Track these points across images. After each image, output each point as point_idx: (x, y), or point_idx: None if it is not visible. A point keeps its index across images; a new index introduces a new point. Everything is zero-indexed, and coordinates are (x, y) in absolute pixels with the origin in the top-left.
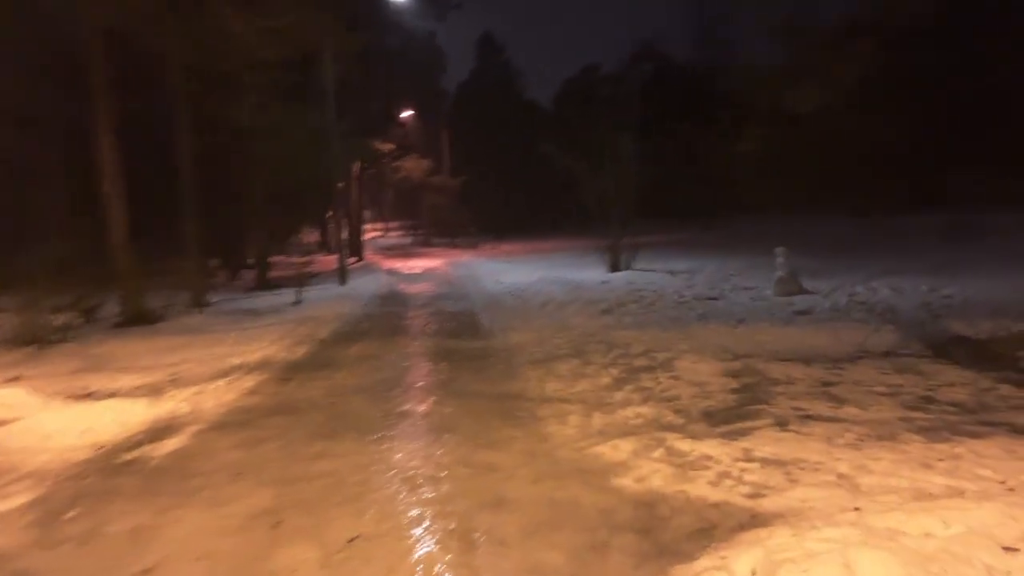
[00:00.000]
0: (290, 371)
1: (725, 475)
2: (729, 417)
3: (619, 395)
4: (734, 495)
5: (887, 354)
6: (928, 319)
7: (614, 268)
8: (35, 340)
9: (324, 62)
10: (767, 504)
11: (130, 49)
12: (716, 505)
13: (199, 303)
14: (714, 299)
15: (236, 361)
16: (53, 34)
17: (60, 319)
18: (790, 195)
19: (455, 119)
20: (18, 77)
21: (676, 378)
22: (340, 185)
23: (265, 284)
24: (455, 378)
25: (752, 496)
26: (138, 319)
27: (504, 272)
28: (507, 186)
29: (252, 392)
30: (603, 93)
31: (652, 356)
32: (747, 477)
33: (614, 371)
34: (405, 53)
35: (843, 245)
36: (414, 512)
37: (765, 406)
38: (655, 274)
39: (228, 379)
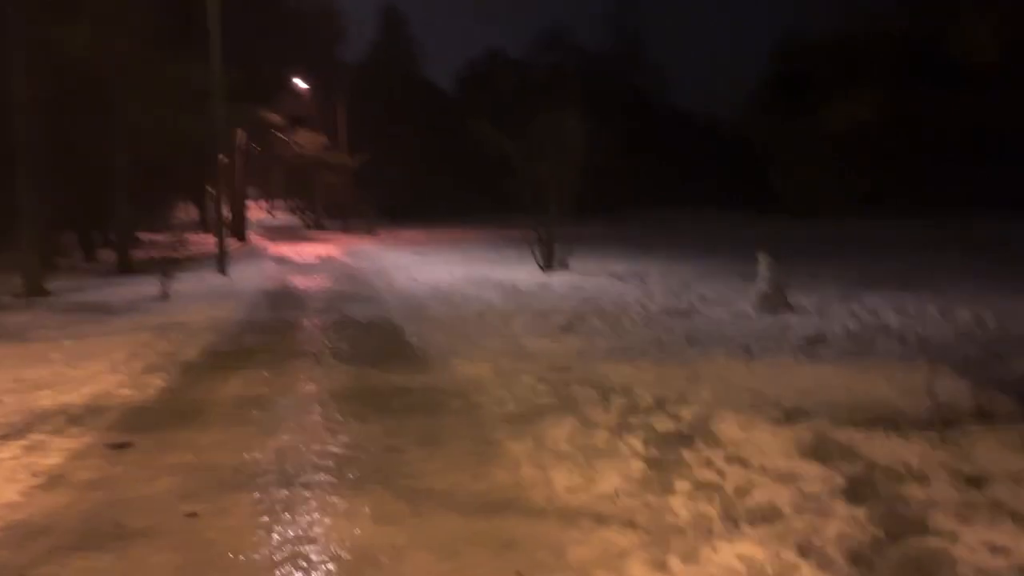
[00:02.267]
0: (131, 428)
1: None
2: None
3: (678, 504)
4: None
5: (984, 415)
6: (987, 357)
7: (548, 266)
8: None
9: None
10: None
11: None
12: None
13: (32, 291)
14: (686, 314)
15: (49, 402)
16: None
17: None
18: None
19: (354, 94)
20: None
21: (738, 462)
22: (223, 158)
23: (127, 267)
24: (397, 457)
25: None
26: None
27: (416, 266)
28: (408, 168)
29: (56, 482)
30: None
31: (673, 412)
32: None
33: (635, 443)
34: (300, 15)
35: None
36: None
37: (935, 540)
38: (599, 277)
39: (24, 443)
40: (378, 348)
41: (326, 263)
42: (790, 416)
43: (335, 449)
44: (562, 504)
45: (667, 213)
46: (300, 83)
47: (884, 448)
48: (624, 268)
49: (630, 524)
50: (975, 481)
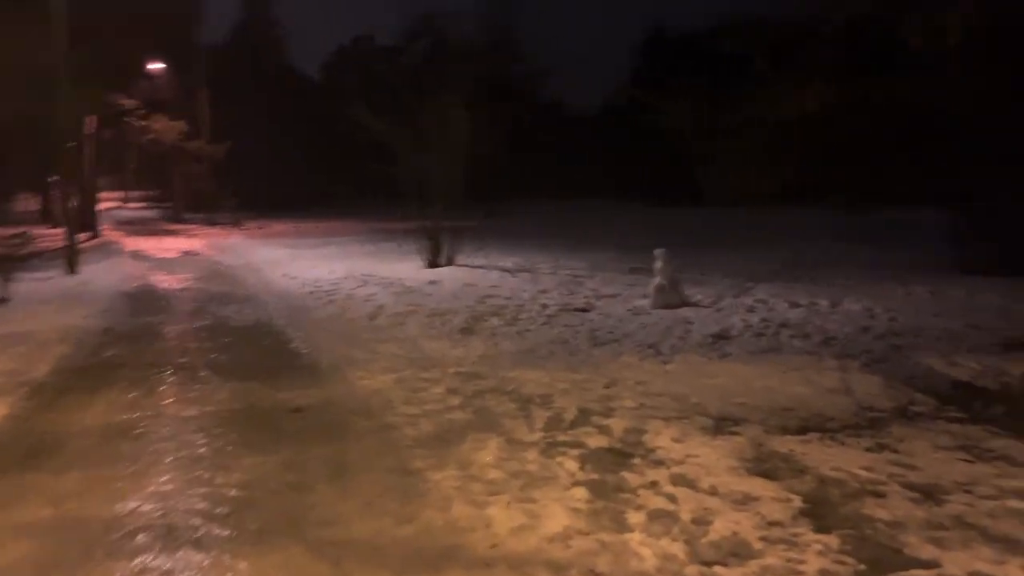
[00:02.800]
0: None
1: None
2: None
3: (637, 543)
4: None
5: (907, 415)
6: (888, 350)
7: (435, 262)
8: None
9: None
10: None
11: None
12: None
13: None
14: (585, 311)
15: None
16: None
17: None
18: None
19: (217, 79)
20: None
21: (686, 483)
22: (71, 145)
23: None
24: (304, 497)
25: None
26: None
27: (292, 262)
28: (276, 157)
29: None
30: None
31: (601, 425)
32: None
33: (571, 465)
34: None
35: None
36: None
37: (921, 573)
38: (489, 272)
39: None
40: (262, 358)
41: (191, 259)
42: (720, 425)
43: (229, 491)
44: (509, 551)
45: (553, 205)
46: (155, 66)
47: (825, 458)
48: (514, 262)
49: (593, 574)
50: (928, 494)
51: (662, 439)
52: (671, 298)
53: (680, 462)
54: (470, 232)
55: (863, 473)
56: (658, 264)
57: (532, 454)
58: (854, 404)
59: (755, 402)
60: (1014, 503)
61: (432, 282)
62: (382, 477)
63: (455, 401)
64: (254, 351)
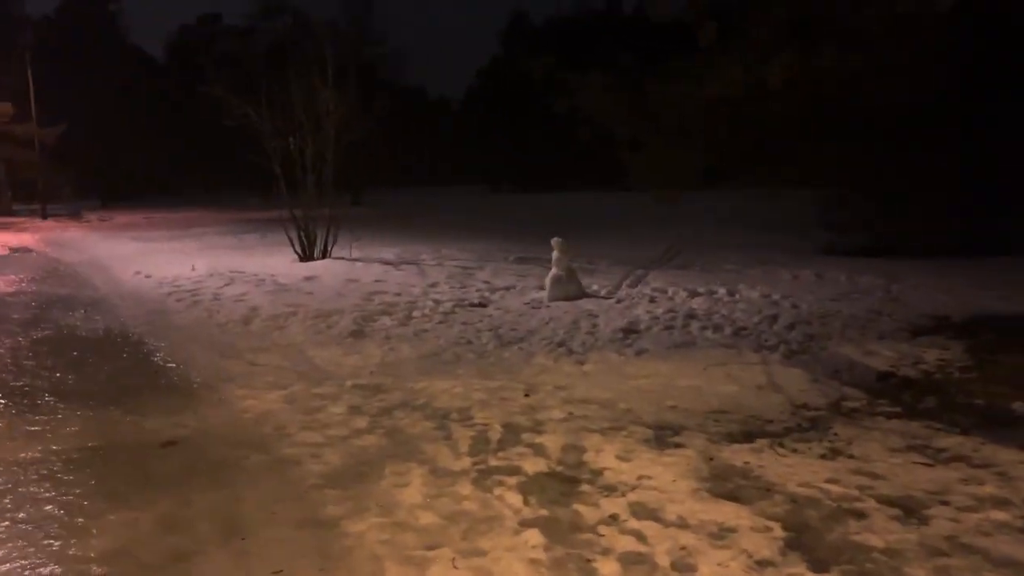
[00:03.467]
0: None
1: None
2: None
3: None
4: None
5: (844, 412)
6: (802, 340)
7: (308, 255)
8: None
9: None
10: None
11: None
12: None
13: None
14: (482, 306)
15: None
16: None
17: None
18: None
19: (49, 56)
20: None
21: (649, 515)
22: None
23: None
24: (193, 568)
25: None
26: None
27: (143, 258)
28: (120, 142)
29: None
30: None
31: (534, 444)
32: None
33: (513, 499)
34: None
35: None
36: None
37: None
38: (370, 265)
39: None
40: (120, 377)
41: (23, 257)
42: (661, 435)
43: (90, 568)
44: None
45: (425, 193)
46: None
47: (785, 470)
48: (395, 254)
49: None
50: (908, 509)
51: (605, 458)
52: (570, 289)
53: (633, 487)
54: (341, 222)
55: (832, 488)
56: (555, 254)
57: (465, 487)
58: (787, 402)
59: (687, 405)
60: (997, 515)
61: (309, 278)
62: (290, 534)
63: (361, 422)
64: (109, 368)
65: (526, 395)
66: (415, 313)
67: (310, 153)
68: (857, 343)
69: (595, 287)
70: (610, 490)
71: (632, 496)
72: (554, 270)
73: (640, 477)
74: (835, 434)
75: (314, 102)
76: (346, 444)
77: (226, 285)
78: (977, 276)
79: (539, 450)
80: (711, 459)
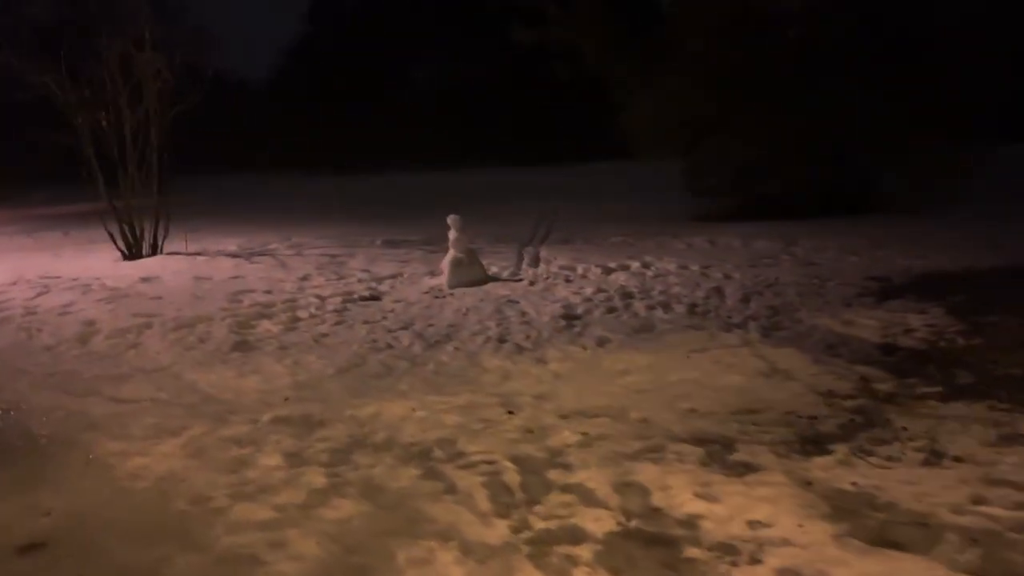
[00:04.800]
0: None
1: None
2: None
3: None
4: None
5: (884, 399)
6: (767, 314)
7: (137, 251)
8: None
9: None
10: None
11: None
12: None
13: None
14: (376, 299)
15: None
16: None
17: None
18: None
19: None
20: None
21: None
22: None
23: None
24: None
25: None
26: None
27: None
28: None
29: None
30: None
31: (579, 489)
32: None
33: None
34: None
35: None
36: None
37: None
38: (216, 260)
39: None
40: None
41: None
42: (717, 454)
43: None
44: None
45: (245, 179)
46: None
47: (909, 491)
48: (239, 245)
49: None
50: None
51: (680, 497)
52: (473, 273)
53: (755, 541)
54: (158, 212)
55: (994, 512)
56: (451, 233)
57: (525, 571)
58: (809, 391)
59: (704, 405)
60: None
61: (147, 279)
62: None
63: (316, 478)
64: None
65: (509, 412)
66: (300, 314)
67: (130, 130)
68: (829, 313)
69: (494, 269)
70: (729, 552)
71: (767, 558)
72: (453, 252)
73: (750, 524)
74: (903, 428)
75: (131, 68)
76: (314, 520)
77: (40, 295)
78: (866, 235)
79: (586, 496)
80: (809, 483)
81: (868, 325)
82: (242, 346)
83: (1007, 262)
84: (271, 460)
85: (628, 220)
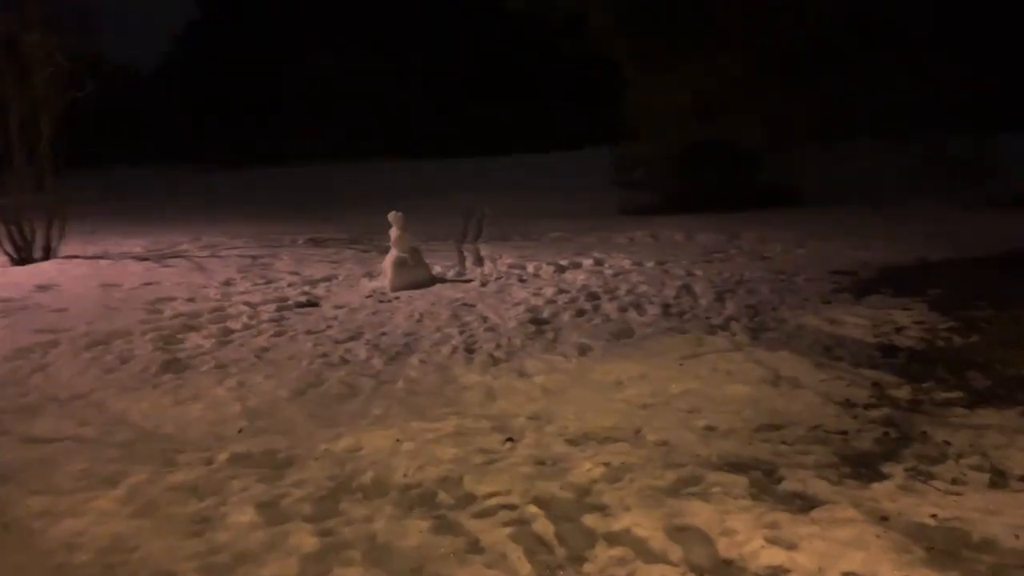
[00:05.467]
0: None
1: None
2: None
3: None
4: None
5: (902, 406)
6: (747, 314)
7: (26, 256)
8: None
9: None
10: None
11: None
12: None
13: None
14: (313, 305)
15: None
16: None
17: None
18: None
19: None
20: None
21: None
22: None
23: None
24: None
25: None
26: None
27: None
28: None
29: None
30: None
31: (627, 538)
32: None
33: None
34: None
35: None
36: None
37: None
38: (121, 263)
39: None
40: None
41: None
42: (764, 484)
43: None
44: None
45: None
46: None
47: (999, 524)
48: (145, 247)
49: None
50: None
51: (751, 543)
52: (419, 275)
53: None
54: (53, 210)
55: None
56: (393, 232)
57: None
58: (825, 400)
59: (722, 422)
60: None
61: (43, 287)
62: None
63: (305, 539)
64: None
65: (509, 440)
66: (232, 324)
67: (17, 120)
68: (811, 311)
69: (437, 268)
70: None
71: None
72: (395, 252)
73: (824, 561)
74: (946, 443)
75: (17, 52)
76: None
77: None
78: (799, 227)
79: (639, 547)
80: (884, 518)
81: (856, 324)
82: (173, 365)
83: (957, 254)
84: (242, 515)
85: (561, 215)
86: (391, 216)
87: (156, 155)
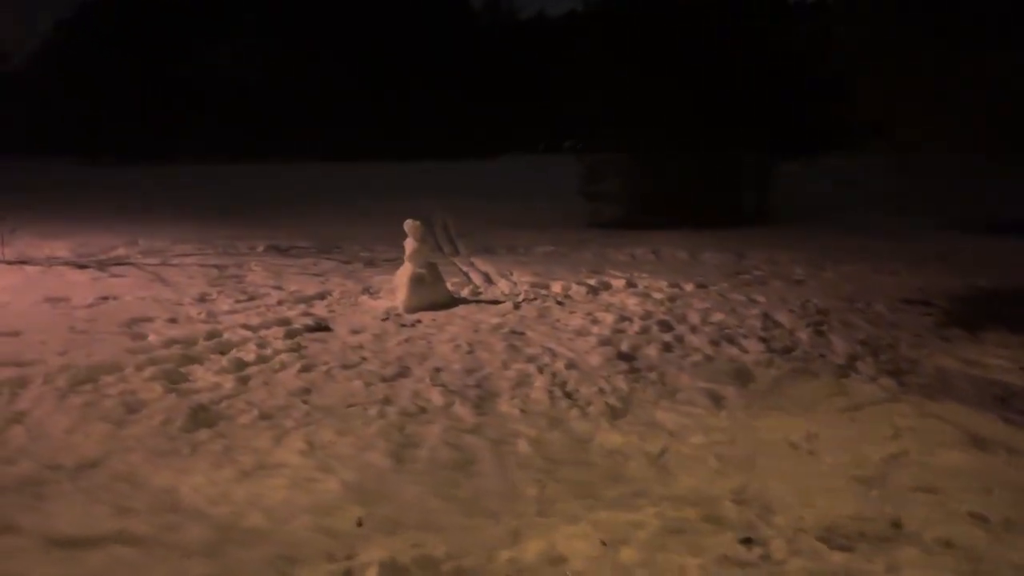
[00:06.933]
0: None
1: None
2: None
3: None
4: None
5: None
6: (863, 352)
7: None
8: None
9: None
10: None
11: None
12: None
13: None
14: (326, 329)
15: None
16: None
17: None
18: None
19: None
20: None
21: None
22: None
23: None
24: None
25: None
26: None
27: None
28: None
29: None
30: None
31: None
32: None
33: None
34: None
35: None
36: None
37: None
38: (55, 272)
39: None
40: None
41: None
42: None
43: None
44: None
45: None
46: None
47: None
48: (74, 251)
49: None
50: None
51: None
52: (437, 293)
53: None
54: None
55: None
56: (409, 243)
57: None
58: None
59: (980, 506)
60: None
61: None
62: None
63: None
64: None
65: (747, 541)
66: (242, 355)
67: None
68: (937, 350)
69: (448, 286)
70: None
71: None
72: (411, 267)
73: None
74: None
75: None
76: None
77: None
78: (794, 247)
79: None
80: None
81: (1003, 367)
82: (201, 416)
83: (1003, 284)
84: None
85: (535, 226)
86: (407, 226)
87: (40, 147)
